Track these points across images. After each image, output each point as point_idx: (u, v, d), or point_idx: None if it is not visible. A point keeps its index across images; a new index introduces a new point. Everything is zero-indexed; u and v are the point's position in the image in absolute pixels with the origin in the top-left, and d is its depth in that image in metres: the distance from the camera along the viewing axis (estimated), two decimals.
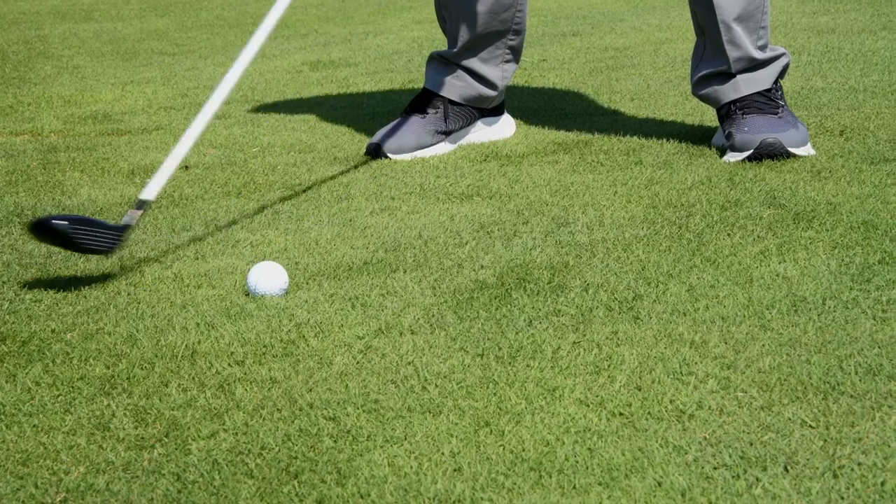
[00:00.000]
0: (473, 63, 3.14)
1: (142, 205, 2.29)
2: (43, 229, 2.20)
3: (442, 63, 3.18)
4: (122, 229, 2.26)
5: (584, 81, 3.96)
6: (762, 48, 2.93)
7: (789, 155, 2.80)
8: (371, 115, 3.59)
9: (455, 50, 3.14)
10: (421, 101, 3.17)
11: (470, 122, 3.19)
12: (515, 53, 3.17)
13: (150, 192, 2.31)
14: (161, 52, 5.21)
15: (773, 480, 1.44)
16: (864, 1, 5.28)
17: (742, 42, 2.91)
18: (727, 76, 2.94)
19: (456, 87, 3.16)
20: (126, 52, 5.23)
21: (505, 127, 3.26)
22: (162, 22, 6.31)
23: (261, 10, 6.59)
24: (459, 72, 3.16)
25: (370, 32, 5.49)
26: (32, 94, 4.19)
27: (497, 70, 3.17)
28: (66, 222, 2.19)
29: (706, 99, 3.00)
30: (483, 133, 3.22)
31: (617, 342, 1.84)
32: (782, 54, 2.97)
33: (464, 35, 3.11)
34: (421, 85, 3.31)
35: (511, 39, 3.15)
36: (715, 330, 1.87)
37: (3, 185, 2.94)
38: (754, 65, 2.93)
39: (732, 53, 2.91)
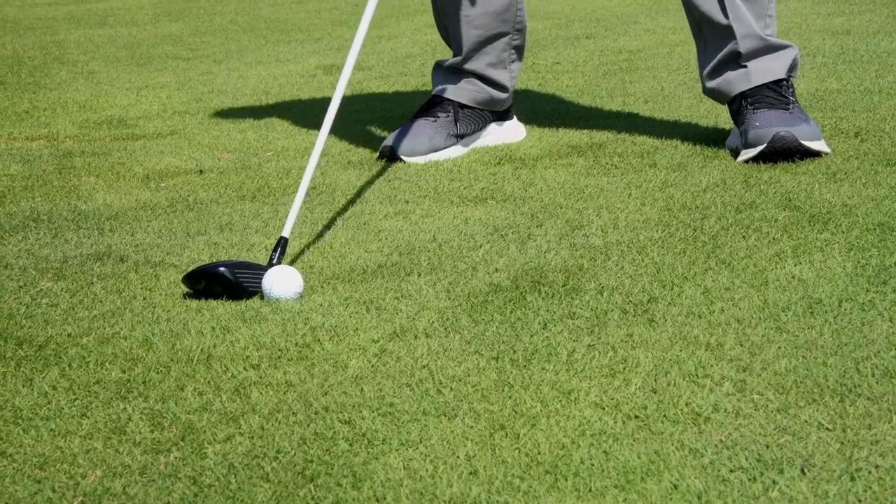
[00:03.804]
0: (482, 68, 3.12)
1: (282, 243, 2.24)
2: (209, 277, 2.13)
3: (450, 71, 3.15)
4: (269, 269, 2.20)
5: (597, 84, 3.96)
6: (770, 36, 2.92)
7: (803, 149, 2.78)
8: (384, 118, 3.59)
9: (461, 57, 3.11)
10: (430, 105, 3.15)
11: (482, 125, 3.17)
12: (520, 52, 3.16)
13: (286, 229, 2.27)
14: (175, 56, 5.22)
15: (789, 483, 1.43)
16: (880, 2, 5.27)
17: (747, 19, 2.88)
18: (737, 63, 2.92)
19: (466, 91, 3.13)
20: (141, 57, 5.24)
21: (515, 130, 3.24)
22: (176, 27, 6.32)
23: (274, 15, 6.60)
24: (469, 77, 3.13)
25: (383, 36, 5.49)
26: (48, 99, 4.20)
27: (505, 72, 3.15)
28: (227, 269, 2.12)
29: (717, 93, 2.97)
30: (495, 136, 3.20)
31: (632, 345, 1.84)
32: (790, 45, 2.95)
33: (468, 41, 3.09)
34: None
35: (515, 39, 3.13)
36: (730, 332, 1.86)
37: (20, 189, 2.95)
38: (764, 46, 2.91)
39: (739, 30, 2.88)
